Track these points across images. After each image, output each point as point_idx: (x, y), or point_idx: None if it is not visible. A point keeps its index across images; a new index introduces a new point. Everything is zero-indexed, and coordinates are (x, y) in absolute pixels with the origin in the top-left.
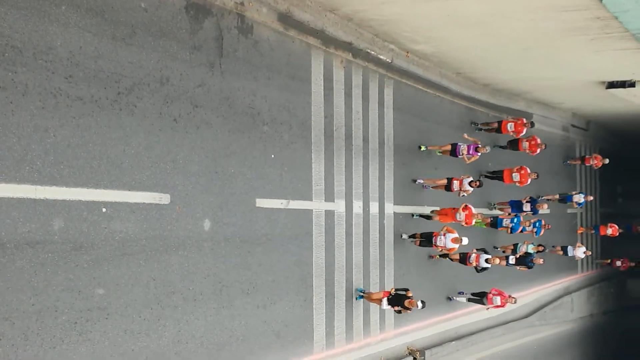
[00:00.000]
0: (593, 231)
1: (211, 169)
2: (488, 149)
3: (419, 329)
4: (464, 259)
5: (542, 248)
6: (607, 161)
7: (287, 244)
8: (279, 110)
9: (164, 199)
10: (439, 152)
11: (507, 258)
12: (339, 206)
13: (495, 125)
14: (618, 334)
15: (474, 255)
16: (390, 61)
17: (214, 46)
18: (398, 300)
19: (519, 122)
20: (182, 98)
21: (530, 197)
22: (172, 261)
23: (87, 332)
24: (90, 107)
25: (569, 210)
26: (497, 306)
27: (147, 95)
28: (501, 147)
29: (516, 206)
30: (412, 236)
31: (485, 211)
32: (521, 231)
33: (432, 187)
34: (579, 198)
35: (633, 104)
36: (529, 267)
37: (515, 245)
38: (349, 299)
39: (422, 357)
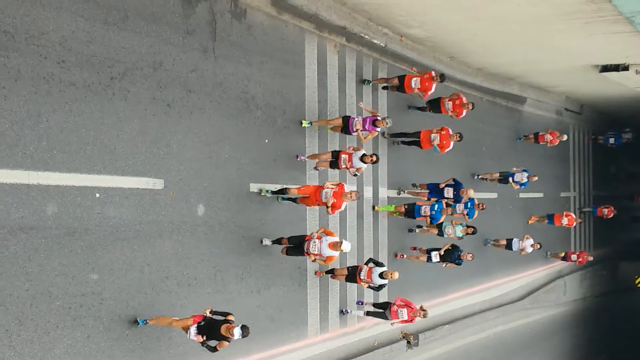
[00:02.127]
0: (546, 221)
1: (205, 154)
2: (389, 121)
3: None
4: (353, 274)
5: (472, 230)
6: (565, 137)
7: (282, 229)
8: (273, 95)
9: (157, 184)
10: (330, 128)
11: (429, 254)
12: None
13: (396, 81)
14: (610, 316)
15: (365, 269)
16: (384, 45)
17: (207, 30)
18: (212, 327)
19: (426, 76)
20: (176, 83)
21: (454, 180)
22: (166, 246)
23: (82, 317)
24: (83, 92)
25: (563, 194)
26: (404, 321)
27: (140, 80)
28: (419, 108)
29: (435, 191)
30: (277, 241)
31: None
32: (451, 213)
33: (318, 167)
34: (521, 177)
35: (626, 87)
36: (458, 264)
37: (440, 225)
38: (343, 284)
39: (416, 341)
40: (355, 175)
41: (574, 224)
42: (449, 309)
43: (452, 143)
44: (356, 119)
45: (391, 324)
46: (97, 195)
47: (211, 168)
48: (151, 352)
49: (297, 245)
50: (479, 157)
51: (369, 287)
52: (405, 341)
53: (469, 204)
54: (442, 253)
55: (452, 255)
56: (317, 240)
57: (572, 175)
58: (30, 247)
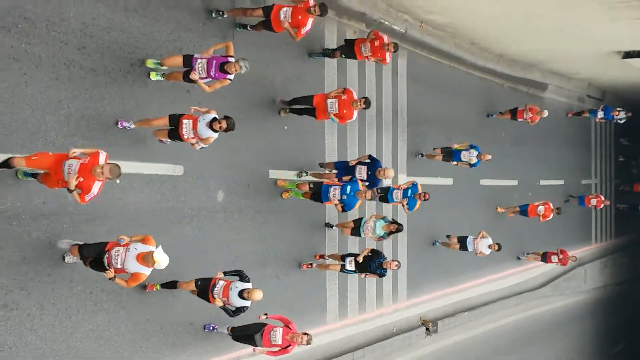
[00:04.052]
0: (519, 212)
1: (224, 140)
2: (245, 66)
3: (432, 299)
4: (204, 290)
5: (396, 227)
6: (545, 114)
7: (300, 215)
8: (292, 81)
9: (177, 170)
10: (160, 75)
11: (343, 261)
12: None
13: (260, 13)
14: (631, 304)
15: (221, 284)
16: (404, 31)
17: (227, 17)
18: None
19: (301, 5)
20: None
21: (370, 157)
22: (186, 232)
23: (102, 301)
24: (103, 78)
25: (584, 182)
26: (277, 351)
27: None
28: (323, 54)
29: (345, 170)
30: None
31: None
32: (371, 198)
33: (162, 140)
34: (469, 156)
35: None
36: (380, 275)
37: (359, 222)
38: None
39: (435, 328)
40: (202, 147)
41: (551, 216)
42: (468, 296)
43: (355, 112)
44: (200, 60)
45: (253, 349)
46: (118, 181)
47: (231, 154)
48: (171, 337)
49: (97, 259)
50: (497, 143)
51: (224, 309)
52: (424, 328)
53: (409, 191)
54: (359, 260)
55: (371, 263)
56: (121, 249)
57: (593, 161)
58: (52, 233)
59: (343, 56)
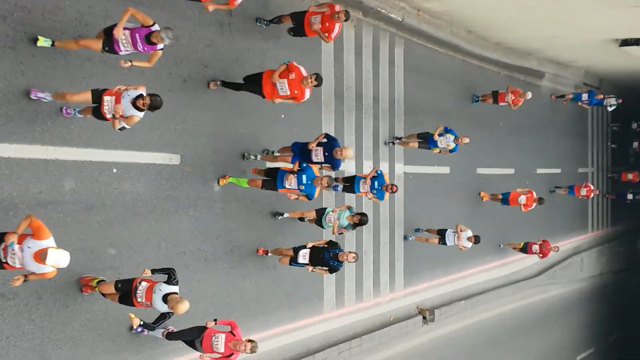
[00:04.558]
0: (500, 200)
1: (221, 129)
2: (168, 36)
3: (429, 288)
4: (127, 293)
5: (359, 218)
6: (529, 96)
7: (297, 204)
8: None
9: (174, 159)
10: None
11: (295, 254)
12: (349, 166)
13: None
14: (627, 293)
15: (143, 285)
16: (401, 20)
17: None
18: None
19: None
20: (192, 58)
21: (326, 136)
22: (183, 221)
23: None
24: (99, 67)
25: (580, 170)
26: (220, 357)
27: None
28: (271, 21)
29: (302, 153)
30: None
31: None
32: (328, 186)
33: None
34: (447, 142)
35: None
36: (332, 269)
37: (321, 213)
38: (359, 259)
39: (432, 316)
40: (123, 129)
41: (533, 206)
42: (464, 285)
43: (307, 91)
44: (125, 32)
45: (199, 356)
46: (114, 170)
47: (227, 143)
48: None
49: None
50: (494, 132)
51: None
52: (421, 317)
53: (376, 183)
54: (308, 246)
55: (325, 253)
56: (16, 248)
57: (590, 150)
58: (48, 222)
59: (291, 34)
